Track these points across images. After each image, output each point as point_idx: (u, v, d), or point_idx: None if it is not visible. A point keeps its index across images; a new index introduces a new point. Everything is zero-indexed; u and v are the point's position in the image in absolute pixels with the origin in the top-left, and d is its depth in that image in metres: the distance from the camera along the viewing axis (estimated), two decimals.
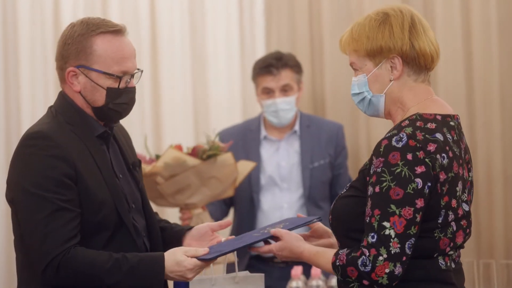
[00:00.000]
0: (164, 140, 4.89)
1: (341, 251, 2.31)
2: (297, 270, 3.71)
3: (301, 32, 5.08)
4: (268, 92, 4.32)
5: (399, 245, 2.21)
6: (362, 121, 5.01)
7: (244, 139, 4.35)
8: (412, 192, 2.22)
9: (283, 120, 4.32)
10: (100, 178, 2.63)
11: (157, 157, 3.88)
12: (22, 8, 4.76)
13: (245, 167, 4.01)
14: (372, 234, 2.22)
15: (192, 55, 4.99)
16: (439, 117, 2.34)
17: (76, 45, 2.64)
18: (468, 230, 2.37)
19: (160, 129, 4.90)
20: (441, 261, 2.32)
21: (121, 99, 2.67)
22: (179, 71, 4.97)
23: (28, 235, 2.54)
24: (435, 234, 2.30)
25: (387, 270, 2.20)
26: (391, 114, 2.43)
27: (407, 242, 2.22)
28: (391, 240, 2.21)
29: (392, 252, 2.20)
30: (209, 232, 2.81)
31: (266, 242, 2.52)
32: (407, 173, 2.23)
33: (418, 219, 2.23)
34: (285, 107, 4.30)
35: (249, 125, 4.43)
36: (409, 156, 2.24)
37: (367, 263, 2.22)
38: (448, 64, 4.96)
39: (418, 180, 2.23)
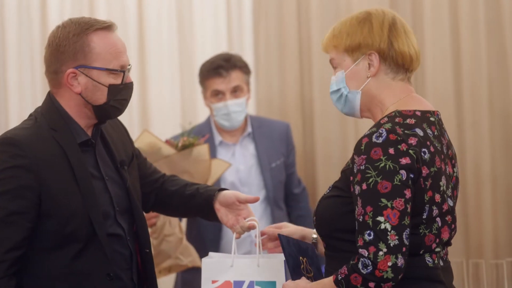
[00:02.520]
0: None
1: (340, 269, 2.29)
2: None
3: (289, 33, 5.07)
4: (217, 95, 4.18)
5: (397, 237, 2.20)
6: (351, 122, 5.01)
7: None
8: (399, 183, 2.22)
9: (235, 122, 4.20)
10: (74, 188, 2.58)
11: None
12: (9, 8, 4.74)
13: (219, 167, 3.82)
14: (368, 231, 2.22)
15: (180, 55, 4.98)
16: (418, 113, 2.35)
17: (72, 45, 2.59)
18: (453, 226, 2.37)
19: (147, 129, 4.88)
20: (428, 258, 2.32)
21: (121, 95, 2.66)
22: (167, 71, 4.96)
23: None
24: (420, 230, 2.30)
25: (389, 263, 2.19)
26: (371, 112, 2.44)
27: (404, 233, 2.21)
28: (388, 233, 2.20)
29: (391, 244, 2.19)
30: (236, 203, 2.83)
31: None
32: (391, 166, 2.23)
33: (409, 209, 2.23)
34: (236, 109, 4.18)
35: (200, 131, 4.14)
36: (391, 151, 2.24)
37: (368, 263, 2.20)
38: (437, 65, 4.97)
39: (403, 171, 2.23)
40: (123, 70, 2.63)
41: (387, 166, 2.23)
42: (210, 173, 3.70)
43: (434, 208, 2.30)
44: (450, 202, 2.35)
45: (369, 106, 2.43)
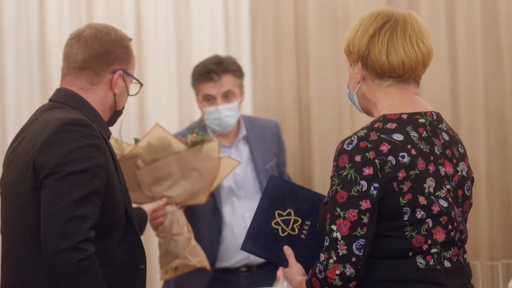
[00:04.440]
0: None
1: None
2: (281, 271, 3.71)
3: (286, 33, 5.08)
4: (209, 99, 4.10)
5: (345, 247, 2.25)
6: (347, 120, 5.02)
7: None
8: (356, 194, 2.26)
9: (226, 127, 4.12)
10: (117, 178, 2.66)
11: (136, 141, 3.54)
12: (6, 8, 4.74)
13: (228, 165, 3.72)
14: (326, 238, 2.28)
15: (177, 56, 4.99)
16: (404, 116, 2.35)
17: (123, 49, 2.76)
18: (450, 226, 2.36)
19: (145, 132, 4.88)
20: (419, 260, 2.32)
21: (125, 105, 2.84)
22: (164, 72, 4.96)
23: (50, 216, 2.46)
24: (406, 233, 2.31)
25: (337, 272, 2.25)
26: (372, 114, 2.47)
27: (355, 243, 2.25)
28: (338, 242, 2.26)
29: (340, 254, 2.25)
30: None
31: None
32: (353, 176, 2.26)
33: (365, 220, 2.26)
34: (228, 114, 4.10)
35: (194, 129, 3.99)
36: (358, 158, 2.27)
37: (322, 269, 2.27)
38: (433, 67, 4.95)
39: (363, 182, 2.26)
40: (141, 83, 2.86)
41: (349, 175, 2.26)
42: (219, 172, 3.65)
43: (419, 210, 2.30)
44: (443, 203, 2.34)
45: (369, 108, 2.46)
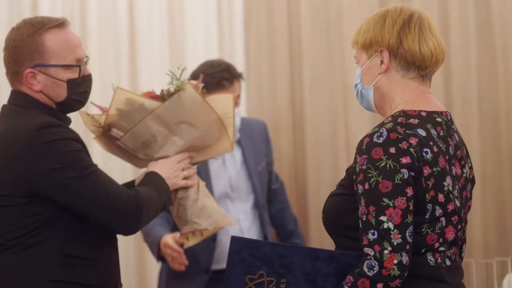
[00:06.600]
0: None
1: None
2: None
3: (279, 33, 5.08)
4: None
5: (400, 235, 2.23)
6: (341, 121, 5.03)
7: None
8: (400, 182, 2.25)
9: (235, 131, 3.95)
10: None
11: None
12: (0, 8, 4.74)
13: (222, 102, 3.12)
14: (372, 231, 2.24)
15: (171, 56, 4.99)
16: (423, 114, 2.37)
17: (27, 47, 2.70)
18: (459, 226, 2.38)
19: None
20: (430, 257, 2.33)
21: (80, 88, 2.77)
22: (157, 71, 4.96)
23: (98, 199, 2.67)
24: (423, 230, 2.31)
25: (395, 261, 2.22)
26: (383, 110, 2.47)
27: (407, 231, 2.24)
28: (391, 232, 2.23)
29: (395, 243, 2.22)
30: None
31: None
32: (391, 165, 2.25)
33: (411, 207, 2.26)
34: (237, 118, 4.00)
35: None
36: (392, 150, 2.26)
37: (374, 264, 2.23)
38: None
39: (404, 170, 2.25)
40: (78, 64, 2.74)
41: (388, 165, 2.25)
42: (216, 114, 3.09)
43: (437, 207, 2.32)
44: (457, 203, 2.36)
45: (381, 103, 2.46)
